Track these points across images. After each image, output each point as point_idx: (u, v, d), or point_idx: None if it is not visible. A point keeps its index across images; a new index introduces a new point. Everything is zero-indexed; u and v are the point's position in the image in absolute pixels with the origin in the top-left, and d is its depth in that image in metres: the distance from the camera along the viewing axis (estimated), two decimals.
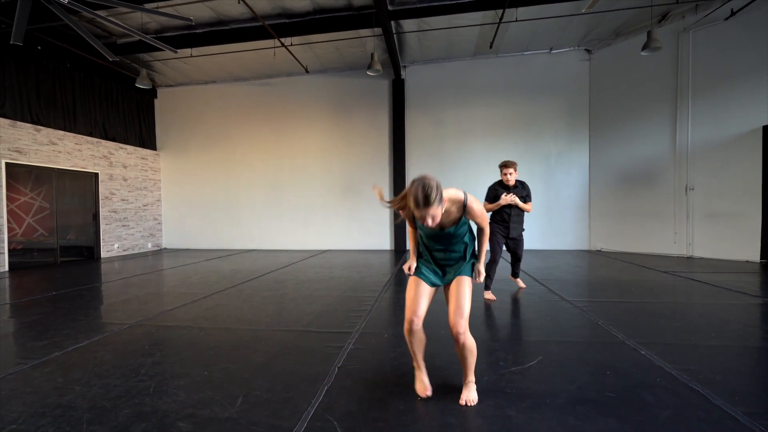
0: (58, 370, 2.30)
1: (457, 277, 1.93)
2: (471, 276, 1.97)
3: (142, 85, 7.36)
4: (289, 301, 4.03)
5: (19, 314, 3.66)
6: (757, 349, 2.51)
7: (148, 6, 4.42)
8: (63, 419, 1.74)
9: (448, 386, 2.03)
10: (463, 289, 1.89)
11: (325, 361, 2.41)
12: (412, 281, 1.98)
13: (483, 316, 3.39)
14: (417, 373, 2.00)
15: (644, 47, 5.86)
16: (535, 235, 8.61)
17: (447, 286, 1.98)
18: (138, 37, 6.43)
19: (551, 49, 8.43)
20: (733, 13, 6.36)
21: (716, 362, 2.30)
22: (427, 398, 1.90)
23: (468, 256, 1.99)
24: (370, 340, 2.81)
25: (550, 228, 8.64)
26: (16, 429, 1.67)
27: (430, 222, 1.70)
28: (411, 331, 1.87)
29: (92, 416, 1.77)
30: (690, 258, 6.96)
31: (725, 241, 6.68)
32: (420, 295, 1.91)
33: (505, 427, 1.65)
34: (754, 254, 6.30)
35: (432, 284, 1.97)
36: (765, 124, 6.13)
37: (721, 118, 6.68)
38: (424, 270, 1.99)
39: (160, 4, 6.21)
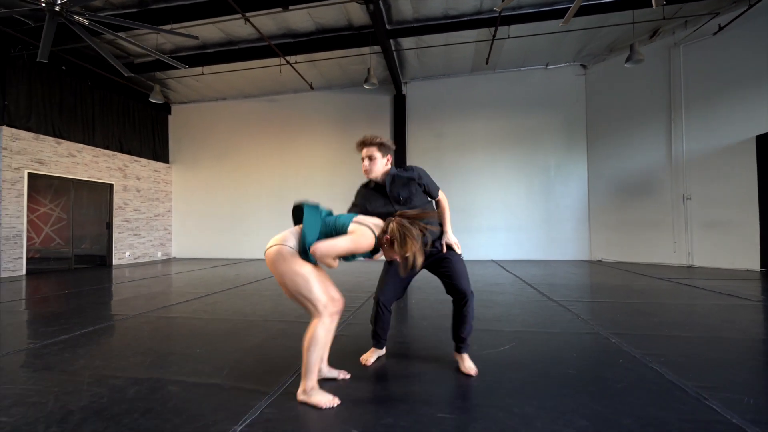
0: (67, 349, 2.51)
1: None
2: None
3: (155, 99, 7.82)
4: (287, 299, 4.21)
5: (33, 307, 3.91)
6: (727, 340, 2.59)
7: (162, 27, 4.86)
8: (68, 383, 1.94)
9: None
10: None
11: None
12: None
13: None
14: None
15: (627, 59, 6.08)
16: (535, 246, 8.71)
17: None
18: (154, 57, 6.98)
19: (547, 65, 8.69)
20: (720, 28, 6.55)
21: (682, 349, 2.40)
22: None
23: None
24: (367, 315, 2.98)
25: (550, 239, 8.70)
26: (26, 389, 1.87)
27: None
28: None
29: (92, 380, 1.96)
30: (690, 267, 6.95)
31: (724, 250, 6.67)
32: None
33: (466, 394, 1.80)
34: (754, 263, 6.28)
35: None
36: (758, 134, 6.22)
37: (714, 128, 6.79)
38: None
39: (174, 26, 6.68)
